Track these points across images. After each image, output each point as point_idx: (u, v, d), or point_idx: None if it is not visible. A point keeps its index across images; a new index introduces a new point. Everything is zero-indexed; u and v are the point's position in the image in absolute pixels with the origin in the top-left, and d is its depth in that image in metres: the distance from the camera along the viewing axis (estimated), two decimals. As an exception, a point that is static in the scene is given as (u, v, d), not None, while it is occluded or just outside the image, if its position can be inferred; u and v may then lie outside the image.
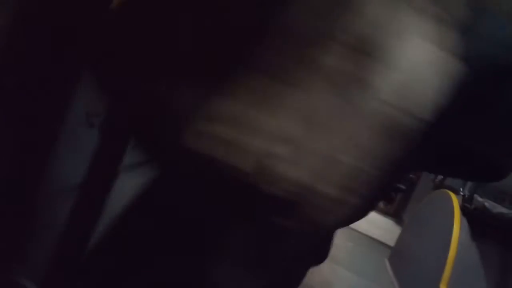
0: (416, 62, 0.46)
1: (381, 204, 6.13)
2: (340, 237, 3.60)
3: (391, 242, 3.62)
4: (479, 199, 2.21)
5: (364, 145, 0.47)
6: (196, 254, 0.56)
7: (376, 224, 4.68)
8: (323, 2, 0.45)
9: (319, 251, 0.76)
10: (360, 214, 0.62)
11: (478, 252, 2.24)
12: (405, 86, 0.46)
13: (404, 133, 0.47)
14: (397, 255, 3.29)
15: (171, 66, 0.49)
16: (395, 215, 5.50)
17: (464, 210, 2.35)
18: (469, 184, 2.40)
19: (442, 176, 2.85)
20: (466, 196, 2.34)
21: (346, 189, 0.48)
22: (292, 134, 0.46)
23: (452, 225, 2.30)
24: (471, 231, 2.28)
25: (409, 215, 3.57)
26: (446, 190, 2.62)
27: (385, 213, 5.44)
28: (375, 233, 4.13)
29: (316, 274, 2.55)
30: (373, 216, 5.13)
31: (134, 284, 0.59)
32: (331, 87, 0.45)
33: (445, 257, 2.18)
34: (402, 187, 5.71)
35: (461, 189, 2.43)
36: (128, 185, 0.68)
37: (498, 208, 2.19)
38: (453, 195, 2.51)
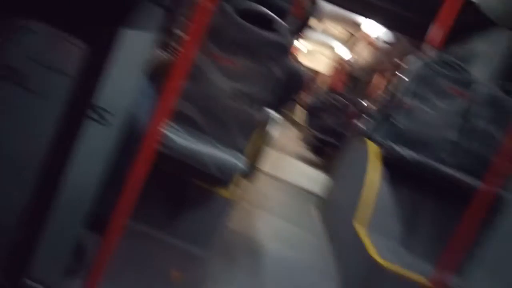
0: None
1: (316, 159, 6.42)
2: (272, 189, 3.75)
3: (322, 193, 3.83)
4: (398, 148, 2.39)
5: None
6: None
7: (308, 176, 4.91)
8: None
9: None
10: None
11: (393, 193, 2.45)
12: None
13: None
14: (325, 202, 3.50)
15: None
16: (327, 168, 5.78)
17: (383, 158, 2.55)
18: (388, 134, 2.58)
19: (366, 129, 3.02)
20: (386, 145, 2.52)
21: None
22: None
23: (371, 170, 2.49)
24: (386, 175, 2.49)
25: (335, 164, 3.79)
26: (364, 137, 2.79)
27: (317, 166, 5.72)
28: (307, 185, 4.33)
29: (244, 219, 2.67)
30: (306, 169, 5.37)
31: None
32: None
33: (362, 199, 2.37)
34: (335, 142, 6.01)
35: (380, 138, 2.61)
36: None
37: (414, 156, 2.38)
38: (369, 142, 2.69)
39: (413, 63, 2.73)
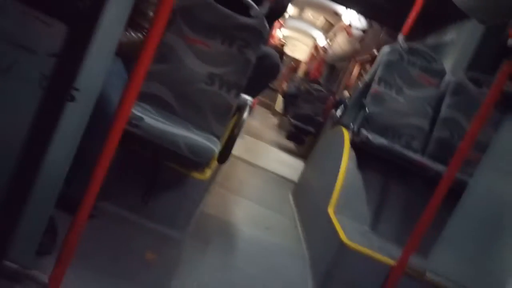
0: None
1: (293, 146, 6.49)
2: (248, 175, 3.79)
3: (297, 179, 3.90)
4: (365, 132, 2.45)
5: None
6: None
7: (287, 164, 4.98)
8: None
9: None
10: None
11: (362, 178, 2.52)
12: None
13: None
14: (299, 188, 3.57)
15: None
16: (304, 155, 5.88)
17: (352, 143, 2.61)
18: (358, 120, 2.64)
19: (339, 116, 3.08)
20: (355, 130, 2.58)
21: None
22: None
23: (342, 156, 2.55)
24: (357, 161, 2.55)
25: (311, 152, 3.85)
26: (341, 126, 2.85)
27: (294, 153, 5.80)
28: (285, 172, 4.40)
29: (220, 204, 2.70)
30: (284, 157, 5.43)
31: None
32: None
33: (334, 184, 2.43)
34: (312, 130, 6.09)
35: (351, 125, 2.67)
36: None
37: (380, 140, 2.45)
38: (345, 130, 2.76)
39: (385, 51, 2.79)
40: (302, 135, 6.30)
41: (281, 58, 9.85)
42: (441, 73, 2.82)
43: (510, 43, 1.59)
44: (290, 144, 6.60)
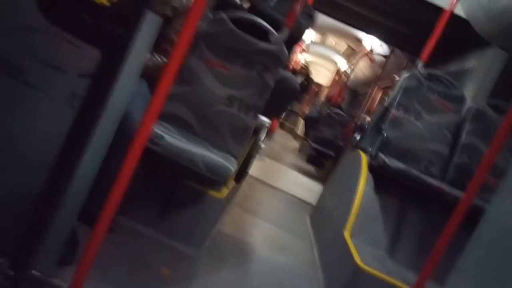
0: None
1: (313, 170, 6.49)
2: (268, 198, 3.81)
3: (316, 202, 3.89)
4: (382, 156, 2.46)
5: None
6: None
7: (306, 187, 4.97)
8: None
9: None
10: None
11: (379, 203, 2.52)
12: None
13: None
14: (317, 211, 3.56)
15: None
16: (323, 179, 5.86)
17: (370, 167, 2.61)
18: (376, 144, 2.65)
19: (358, 140, 3.10)
20: (373, 154, 2.59)
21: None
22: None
23: (359, 179, 2.56)
24: (374, 185, 2.55)
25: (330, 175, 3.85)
26: (359, 150, 2.87)
27: (314, 177, 5.79)
28: (304, 195, 4.39)
29: (237, 224, 2.73)
30: (304, 180, 5.43)
31: None
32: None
33: (351, 208, 2.43)
34: (332, 154, 6.08)
35: (369, 149, 2.68)
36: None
37: (397, 164, 2.45)
38: (363, 154, 2.77)
39: (404, 77, 2.82)
40: (322, 159, 6.30)
41: (308, 81, 9.96)
42: (460, 99, 2.82)
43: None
44: (310, 168, 6.60)
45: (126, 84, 1.19)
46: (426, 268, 1.82)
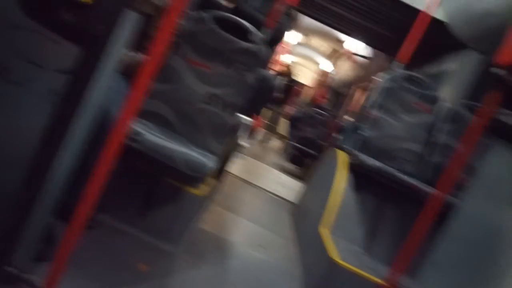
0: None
1: (294, 169, 6.54)
2: (249, 196, 3.84)
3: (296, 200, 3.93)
4: (361, 155, 2.52)
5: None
6: None
7: (287, 185, 5.02)
8: None
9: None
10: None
11: (358, 200, 2.57)
12: None
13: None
14: (297, 209, 3.61)
15: None
16: (304, 178, 5.89)
17: (350, 165, 2.67)
18: (356, 144, 2.71)
19: (339, 139, 3.15)
20: (353, 153, 2.65)
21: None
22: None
23: (335, 176, 2.61)
24: (354, 183, 2.61)
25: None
26: (336, 148, 2.92)
27: (295, 175, 5.83)
28: (285, 193, 4.43)
29: (216, 221, 2.75)
30: (285, 179, 5.47)
31: None
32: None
33: (326, 204, 2.48)
34: (314, 153, 6.15)
35: (350, 148, 2.74)
36: None
37: (374, 162, 2.51)
38: (339, 152, 2.82)
39: (383, 78, 2.88)
40: (304, 158, 6.35)
41: (292, 82, 10.01)
42: (434, 100, 2.90)
43: (493, 71, 1.66)
44: (292, 167, 6.65)
45: (105, 80, 1.20)
46: (398, 262, 1.88)
